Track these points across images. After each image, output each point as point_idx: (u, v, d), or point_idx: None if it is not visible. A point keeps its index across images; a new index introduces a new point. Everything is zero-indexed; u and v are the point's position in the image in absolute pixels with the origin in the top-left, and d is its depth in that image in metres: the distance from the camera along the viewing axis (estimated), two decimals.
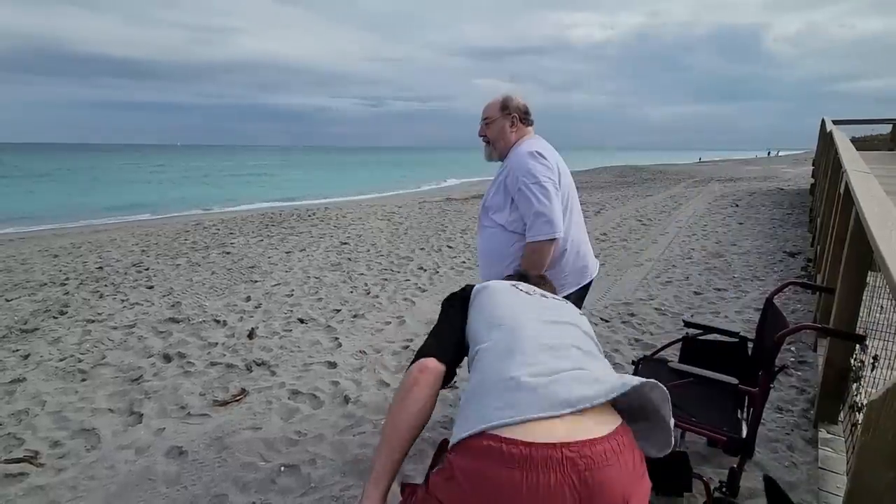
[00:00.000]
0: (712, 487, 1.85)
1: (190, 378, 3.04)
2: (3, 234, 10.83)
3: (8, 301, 5.03)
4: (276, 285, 5.10)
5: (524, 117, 2.01)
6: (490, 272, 2.08)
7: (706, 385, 1.78)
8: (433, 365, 1.07)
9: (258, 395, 2.81)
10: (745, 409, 1.91)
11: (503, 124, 2.01)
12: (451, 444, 0.88)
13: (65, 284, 5.58)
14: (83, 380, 3.08)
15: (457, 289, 1.33)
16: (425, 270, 5.58)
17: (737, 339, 2.11)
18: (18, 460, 2.24)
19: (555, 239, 1.84)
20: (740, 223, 8.12)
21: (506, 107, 2.00)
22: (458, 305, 1.24)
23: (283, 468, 2.15)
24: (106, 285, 5.46)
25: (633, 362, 2.34)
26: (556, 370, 0.91)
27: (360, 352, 3.40)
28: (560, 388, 0.86)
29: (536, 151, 1.91)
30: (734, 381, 1.66)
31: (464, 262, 5.94)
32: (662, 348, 2.31)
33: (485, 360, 1.01)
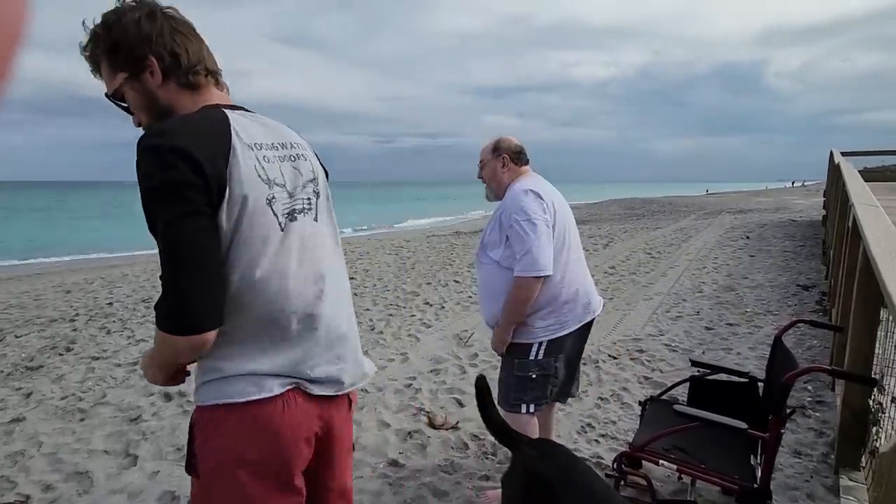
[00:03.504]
0: None
1: (188, 418, 2.99)
2: (20, 269, 11.05)
3: (17, 337, 5.06)
4: None
5: (516, 157, 2.04)
6: (488, 308, 2.05)
7: (716, 429, 1.70)
8: (209, 339, 0.91)
9: None
10: (759, 455, 1.82)
11: (495, 165, 2.05)
12: (224, 402, 0.97)
13: (74, 320, 5.62)
14: (82, 419, 3.05)
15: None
16: (431, 305, 5.54)
17: (746, 380, 2.03)
18: None
19: (541, 277, 1.82)
20: (752, 256, 8.00)
21: (497, 148, 2.04)
22: (209, 228, 0.90)
23: None
24: (114, 321, 5.49)
25: (640, 403, 2.26)
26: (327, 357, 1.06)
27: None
28: (333, 372, 1.07)
29: (531, 190, 1.92)
30: (743, 425, 1.59)
31: (470, 297, 5.89)
32: (670, 388, 2.23)
33: (247, 332, 0.98)
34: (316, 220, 1.09)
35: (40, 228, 24.21)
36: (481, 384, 1.67)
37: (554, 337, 1.94)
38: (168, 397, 3.32)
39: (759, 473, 1.71)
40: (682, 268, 7.33)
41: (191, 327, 0.89)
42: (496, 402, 2.14)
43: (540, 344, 1.95)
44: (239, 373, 0.97)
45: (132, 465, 2.50)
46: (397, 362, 3.86)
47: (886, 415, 2.00)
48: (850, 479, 2.08)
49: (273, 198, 0.98)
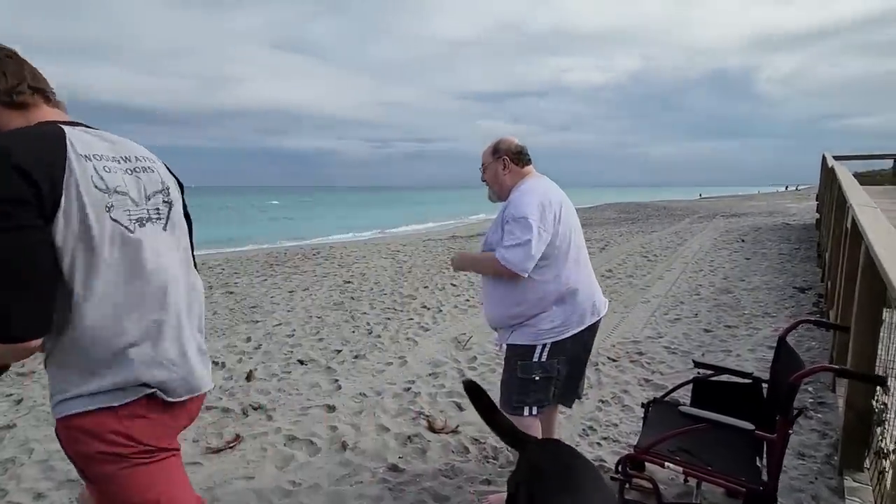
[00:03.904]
0: None
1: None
2: None
3: None
4: (277, 325, 5.03)
5: (517, 158, 2.02)
6: (494, 310, 2.03)
7: (721, 430, 1.69)
8: (33, 346, 0.96)
9: (253, 442, 2.70)
10: (764, 456, 1.80)
11: (496, 168, 2.03)
12: (89, 409, 1.01)
13: None
14: None
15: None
16: (428, 309, 5.51)
17: (750, 381, 2.01)
18: None
19: (514, 273, 1.84)
20: (747, 258, 8.03)
21: (496, 151, 2.03)
22: (40, 241, 0.93)
23: None
24: None
25: (643, 405, 2.24)
26: (176, 357, 1.12)
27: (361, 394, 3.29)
28: (191, 378, 1.14)
29: (535, 192, 1.91)
30: (750, 426, 1.57)
31: (467, 301, 5.86)
32: (673, 390, 2.21)
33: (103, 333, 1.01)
34: (165, 229, 1.14)
35: None
36: (471, 386, 1.64)
37: (558, 339, 1.92)
38: None
39: (765, 475, 1.70)
40: (679, 271, 7.35)
41: (13, 338, 0.93)
42: (498, 404, 2.11)
43: (544, 346, 1.92)
44: (95, 388, 1.01)
45: None
46: (395, 366, 3.82)
47: (891, 415, 1.99)
48: (855, 481, 2.06)
49: (112, 206, 1.02)
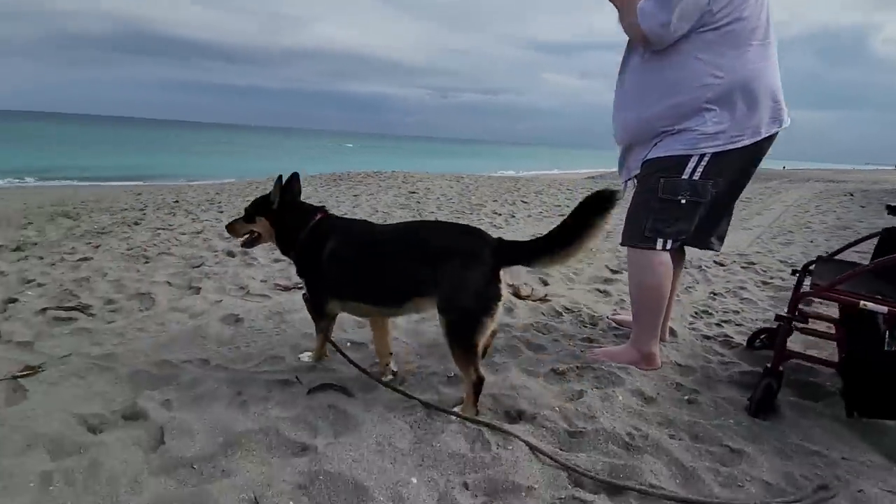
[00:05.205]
0: None
1: (252, 269, 2.81)
2: (98, 185, 11.56)
3: (91, 216, 5.15)
4: (342, 215, 4.87)
5: None
6: (636, 113, 1.59)
7: None
8: None
9: None
10: None
11: None
12: None
13: (143, 209, 5.68)
14: (146, 262, 2.94)
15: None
16: (500, 215, 5.16)
17: None
18: (70, 308, 2.06)
19: (646, 31, 1.44)
20: (862, 206, 7.02)
21: None
22: None
23: (349, 343, 1.81)
24: (180, 210, 5.49)
25: (794, 271, 1.78)
26: None
27: None
28: None
29: None
30: None
31: (541, 213, 5.45)
32: (850, 245, 1.75)
33: None
34: None
35: (116, 158, 25.47)
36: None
37: (723, 149, 1.48)
38: (231, 255, 3.15)
39: None
40: (780, 211, 6.52)
41: None
42: (621, 237, 1.71)
43: (701, 157, 1.49)
44: None
45: (195, 294, 2.33)
46: None
47: None
48: None
49: None
